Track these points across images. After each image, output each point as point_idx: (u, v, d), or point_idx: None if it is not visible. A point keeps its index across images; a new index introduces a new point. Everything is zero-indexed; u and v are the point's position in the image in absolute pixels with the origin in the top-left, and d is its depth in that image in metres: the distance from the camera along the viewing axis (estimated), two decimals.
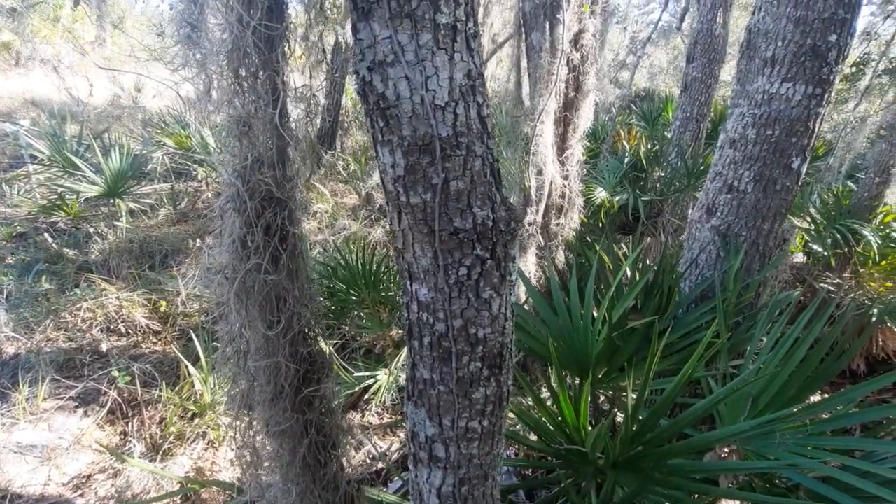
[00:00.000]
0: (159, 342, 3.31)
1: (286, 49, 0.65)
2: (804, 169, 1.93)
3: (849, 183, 4.84)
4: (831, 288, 3.81)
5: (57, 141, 4.78)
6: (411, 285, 0.83)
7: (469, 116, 0.71)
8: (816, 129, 1.87)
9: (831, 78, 1.79)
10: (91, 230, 4.42)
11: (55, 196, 4.39)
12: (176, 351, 2.97)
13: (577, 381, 1.91)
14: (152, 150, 5.55)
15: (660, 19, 5.12)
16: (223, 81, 0.62)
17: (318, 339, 1.10)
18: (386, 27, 0.64)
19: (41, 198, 4.63)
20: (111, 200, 4.52)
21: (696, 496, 1.44)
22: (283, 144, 0.69)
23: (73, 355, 3.05)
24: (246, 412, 1.07)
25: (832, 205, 4.03)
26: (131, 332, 3.33)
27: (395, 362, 2.87)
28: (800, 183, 1.97)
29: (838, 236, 3.64)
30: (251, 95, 0.64)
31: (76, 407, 2.71)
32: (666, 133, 5.46)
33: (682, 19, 6.91)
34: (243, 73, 0.62)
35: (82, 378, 2.91)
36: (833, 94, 1.85)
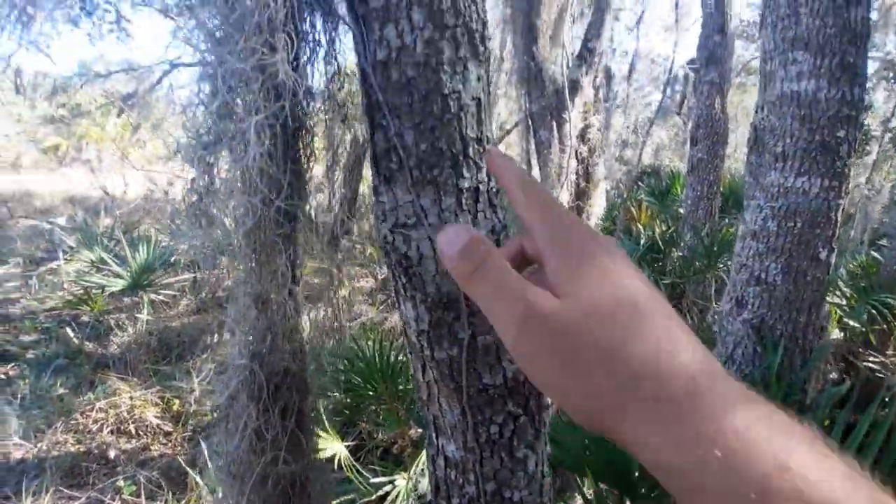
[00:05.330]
0: (169, 443, 3.19)
1: (304, 225, 0.66)
2: (833, 259, 1.87)
3: (872, 252, 4.71)
4: (875, 366, 3.56)
5: (87, 235, 5.00)
6: (437, 439, 0.77)
7: None
8: (839, 220, 1.84)
9: (846, 171, 1.80)
10: (112, 322, 4.47)
11: (81, 291, 4.51)
12: (181, 460, 2.84)
13: (619, 496, 1.73)
14: (180, 241, 5.76)
15: (661, 102, 5.39)
16: (243, 261, 0.62)
17: None
18: (408, 192, 0.65)
19: (67, 292, 4.76)
20: (135, 292, 4.61)
21: None
22: (298, 311, 0.68)
23: (80, 461, 2.94)
24: None
25: (861, 276, 3.90)
26: (142, 433, 3.22)
27: (414, 465, 2.68)
28: (829, 273, 1.91)
29: (874, 312, 3.47)
30: (268, 271, 0.63)
31: None
32: (679, 209, 5.50)
33: (680, 105, 7.27)
34: (259, 252, 0.61)
35: (87, 487, 2.77)
36: (850, 185, 1.85)
